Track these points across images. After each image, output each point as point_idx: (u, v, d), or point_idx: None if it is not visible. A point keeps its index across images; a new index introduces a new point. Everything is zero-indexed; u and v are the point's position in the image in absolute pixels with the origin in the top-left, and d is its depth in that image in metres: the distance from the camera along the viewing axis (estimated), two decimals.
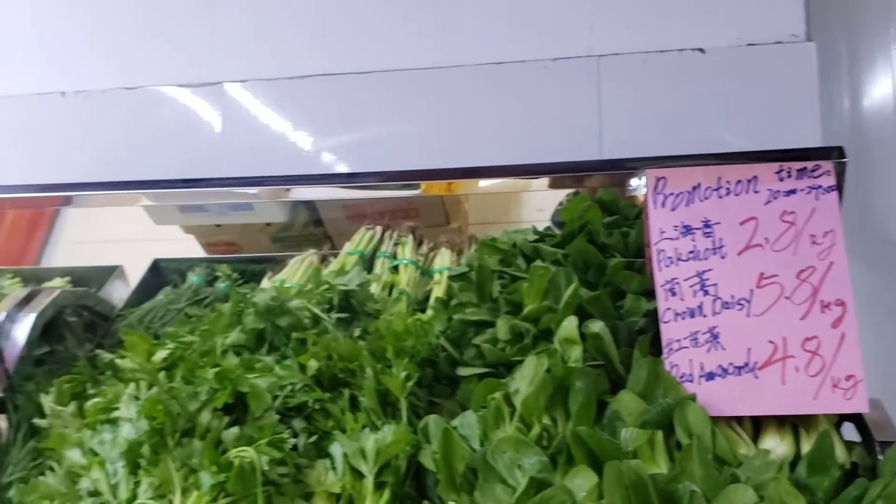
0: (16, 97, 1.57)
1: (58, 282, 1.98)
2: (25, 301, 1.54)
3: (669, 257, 1.17)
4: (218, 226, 2.51)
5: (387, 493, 1.14)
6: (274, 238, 2.53)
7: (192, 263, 2.03)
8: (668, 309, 1.17)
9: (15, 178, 1.36)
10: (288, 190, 1.58)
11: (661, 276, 1.18)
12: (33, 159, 1.57)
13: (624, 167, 1.23)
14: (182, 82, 1.57)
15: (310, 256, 1.84)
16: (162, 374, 1.32)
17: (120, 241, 2.49)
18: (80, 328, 1.66)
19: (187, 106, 1.58)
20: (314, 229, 2.50)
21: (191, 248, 2.52)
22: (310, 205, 2.37)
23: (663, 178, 1.17)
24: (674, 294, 1.17)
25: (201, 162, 1.53)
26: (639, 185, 1.20)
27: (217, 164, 1.53)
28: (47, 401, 1.42)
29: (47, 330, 1.57)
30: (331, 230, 2.47)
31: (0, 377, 1.44)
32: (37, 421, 1.41)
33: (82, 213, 2.65)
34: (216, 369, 1.26)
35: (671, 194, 1.17)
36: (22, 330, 1.50)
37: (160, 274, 2.01)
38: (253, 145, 1.56)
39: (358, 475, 1.16)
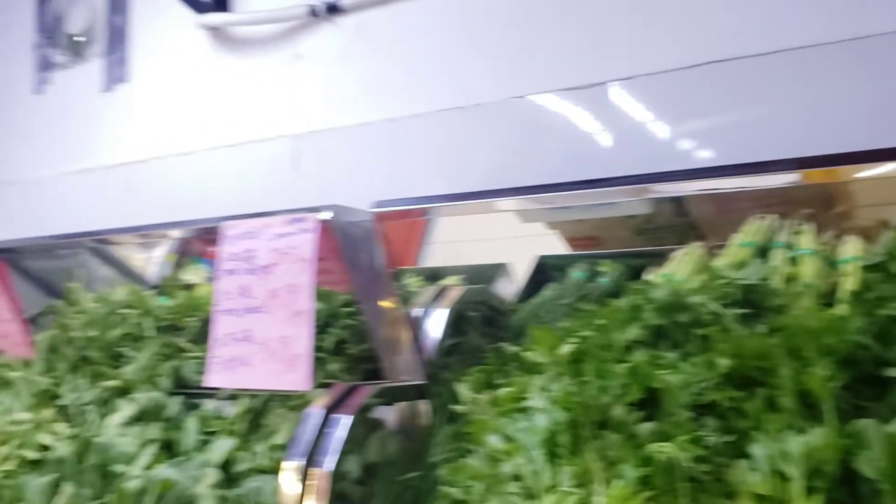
0: (425, 115, 1.75)
1: (452, 279, 2.17)
2: (437, 297, 1.72)
3: None
4: (579, 220, 2.57)
5: (819, 499, 1.07)
6: (636, 230, 2.51)
7: (571, 260, 2.10)
8: None
9: (433, 188, 1.52)
10: (651, 186, 1.56)
11: None
12: (441, 170, 1.74)
13: None
14: (567, 86, 1.63)
15: (696, 250, 1.80)
16: (570, 368, 1.38)
17: (482, 240, 2.66)
18: (479, 321, 1.81)
19: (572, 108, 1.64)
20: (677, 220, 2.44)
21: (547, 243, 2.60)
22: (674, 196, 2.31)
23: None
24: None
25: (589, 161, 1.58)
26: None
27: (604, 162, 1.56)
28: (463, 388, 1.56)
29: (453, 323, 1.73)
30: (697, 221, 2.39)
31: (422, 366, 1.62)
32: (455, 407, 1.55)
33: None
34: (625, 364, 1.28)
35: None
36: (436, 323, 1.68)
37: (543, 270, 2.11)
38: (639, 141, 1.57)
39: (781, 478, 1.11)
